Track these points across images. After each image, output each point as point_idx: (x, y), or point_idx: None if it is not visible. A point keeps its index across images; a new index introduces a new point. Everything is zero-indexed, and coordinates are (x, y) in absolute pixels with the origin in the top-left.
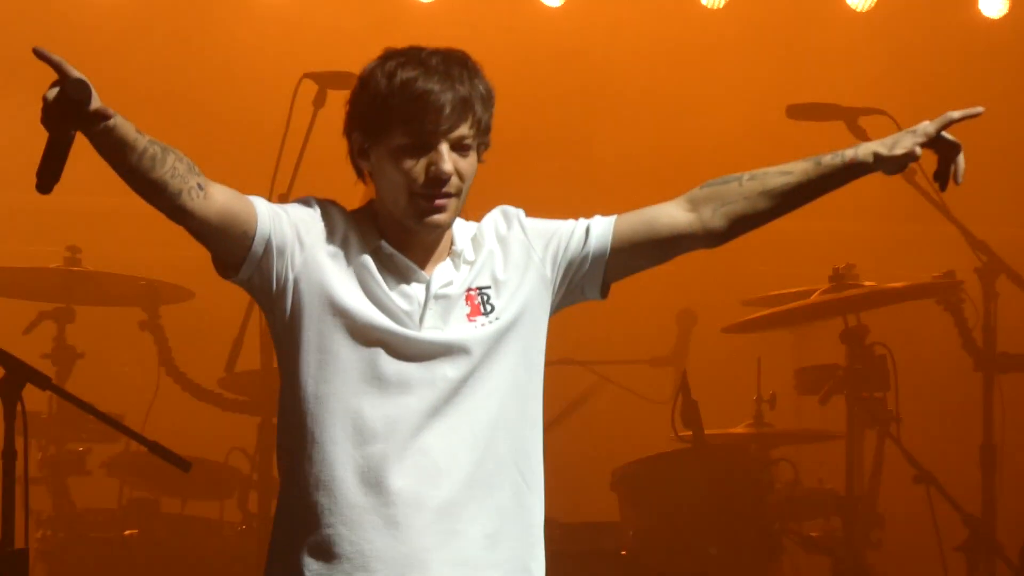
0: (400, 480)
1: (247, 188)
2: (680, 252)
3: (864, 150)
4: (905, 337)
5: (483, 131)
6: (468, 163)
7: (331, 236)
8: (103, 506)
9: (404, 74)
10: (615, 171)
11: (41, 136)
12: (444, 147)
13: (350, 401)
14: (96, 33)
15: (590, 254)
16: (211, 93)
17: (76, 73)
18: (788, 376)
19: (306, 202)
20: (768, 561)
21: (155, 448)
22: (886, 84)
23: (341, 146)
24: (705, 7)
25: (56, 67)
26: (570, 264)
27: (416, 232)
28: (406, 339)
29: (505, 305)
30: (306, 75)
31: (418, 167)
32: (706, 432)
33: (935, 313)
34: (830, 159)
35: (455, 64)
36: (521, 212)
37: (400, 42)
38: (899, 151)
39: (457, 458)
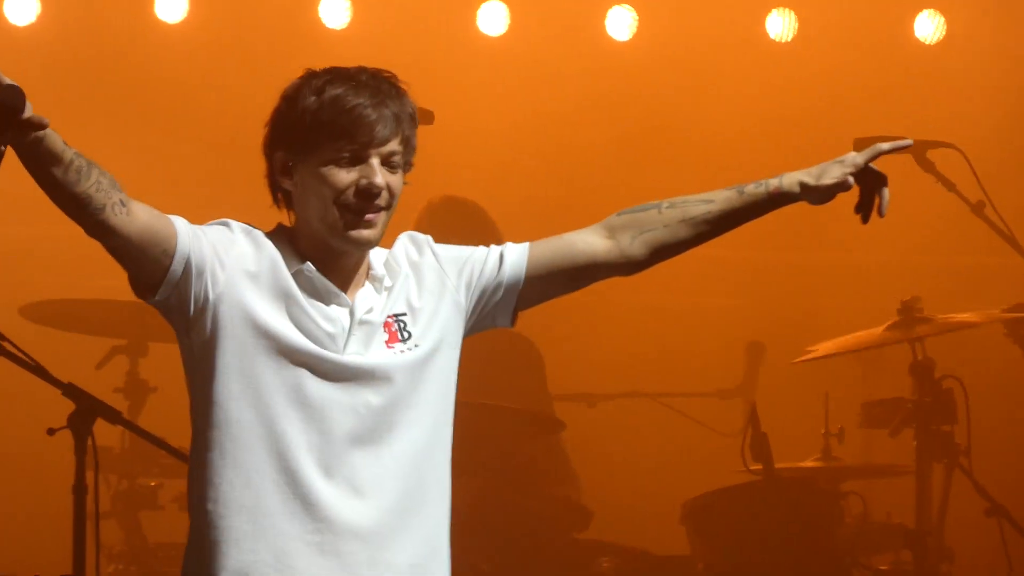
0: (326, 507)
1: None
2: (596, 279)
3: (789, 180)
4: (972, 369)
5: (410, 150)
6: (396, 180)
7: (251, 258)
8: (175, 540)
9: (333, 90)
10: None
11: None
12: (375, 161)
13: (274, 425)
14: (173, 61)
15: (504, 282)
16: None
17: (9, 80)
18: (855, 410)
19: (223, 224)
20: None
21: None
22: (955, 117)
23: (414, 179)
24: (774, 41)
25: None
26: (483, 291)
27: (340, 253)
28: (330, 362)
29: (423, 332)
30: None
31: (348, 180)
32: (775, 466)
33: (1003, 345)
34: (753, 188)
35: (384, 82)
36: (430, 238)
37: (469, 75)
38: (828, 181)
39: (383, 486)
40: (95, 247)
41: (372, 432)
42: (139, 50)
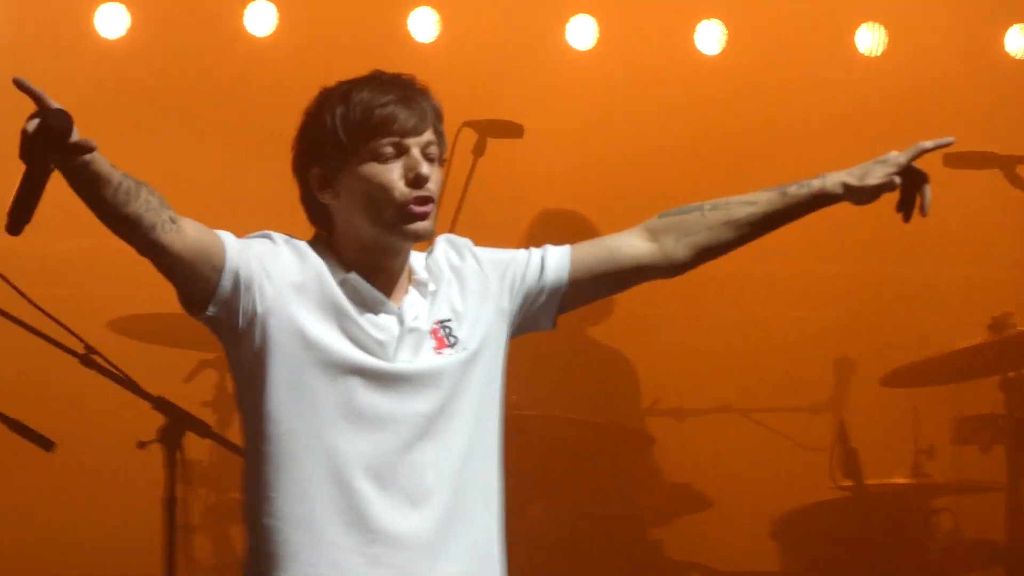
0: (381, 518)
1: None
2: (639, 282)
3: (832, 180)
4: None
5: (443, 144)
6: (437, 172)
7: (296, 269)
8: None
9: (359, 94)
10: None
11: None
12: (416, 151)
13: (326, 437)
14: (261, 74)
15: (547, 286)
16: None
17: (56, 104)
18: (946, 426)
19: (267, 236)
20: None
21: None
22: None
23: (503, 194)
24: (863, 55)
25: (37, 99)
26: (526, 295)
27: (387, 257)
28: (381, 371)
29: (468, 335)
30: (466, 123)
31: (395, 174)
32: (865, 482)
33: None
34: (796, 189)
35: (406, 80)
36: (470, 242)
37: (560, 89)
38: (872, 181)
39: (433, 495)
40: None
41: (422, 440)
42: (228, 63)
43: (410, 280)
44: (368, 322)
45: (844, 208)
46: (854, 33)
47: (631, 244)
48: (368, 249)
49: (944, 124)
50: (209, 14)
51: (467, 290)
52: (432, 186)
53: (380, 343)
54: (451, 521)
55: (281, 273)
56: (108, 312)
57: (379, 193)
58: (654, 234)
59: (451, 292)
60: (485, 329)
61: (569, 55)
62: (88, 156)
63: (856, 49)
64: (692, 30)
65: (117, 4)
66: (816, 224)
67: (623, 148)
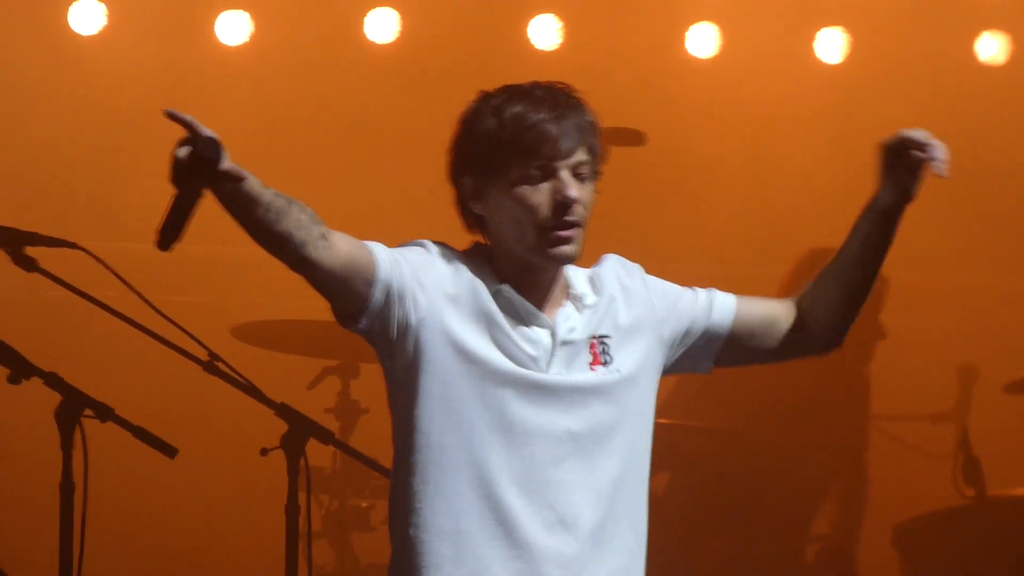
0: (527, 534)
1: None
2: (786, 356)
3: (882, 190)
4: None
5: (597, 159)
6: (588, 191)
7: (450, 280)
8: (385, 562)
9: (513, 108)
10: None
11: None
12: (565, 173)
13: (476, 450)
14: (380, 80)
15: (710, 328)
16: None
17: (208, 132)
18: None
19: (420, 245)
20: None
21: None
22: None
23: (610, 203)
24: (984, 63)
25: (188, 126)
26: (687, 332)
27: (538, 272)
28: (533, 383)
29: (625, 359)
30: None
31: (542, 197)
32: (988, 492)
33: None
34: (871, 216)
35: (560, 94)
36: (642, 268)
37: (679, 98)
38: (889, 173)
39: (582, 514)
40: None
41: (573, 458)
42: (346, 69)
43: (566, 294)
44: (521, 335)
45: (966, 216)
46: (975, 41)
47: (787, 309)
48: (519, 263)
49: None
50: (328, 20)
51: (632, 311)
52: (580, 209)
53: (533, 357)
54: (597, 543)
55: (435, 284)
56: (231, 319)
57: (523, 216)
58: (799, 305)
59: (616, 309)
60: (643, 355)
61: (687, 60)
62: (244, 178)
63: (976, 57)
64: (812, 38)
65: (241, 11)
66: (939, 231)
67: (739, 155)
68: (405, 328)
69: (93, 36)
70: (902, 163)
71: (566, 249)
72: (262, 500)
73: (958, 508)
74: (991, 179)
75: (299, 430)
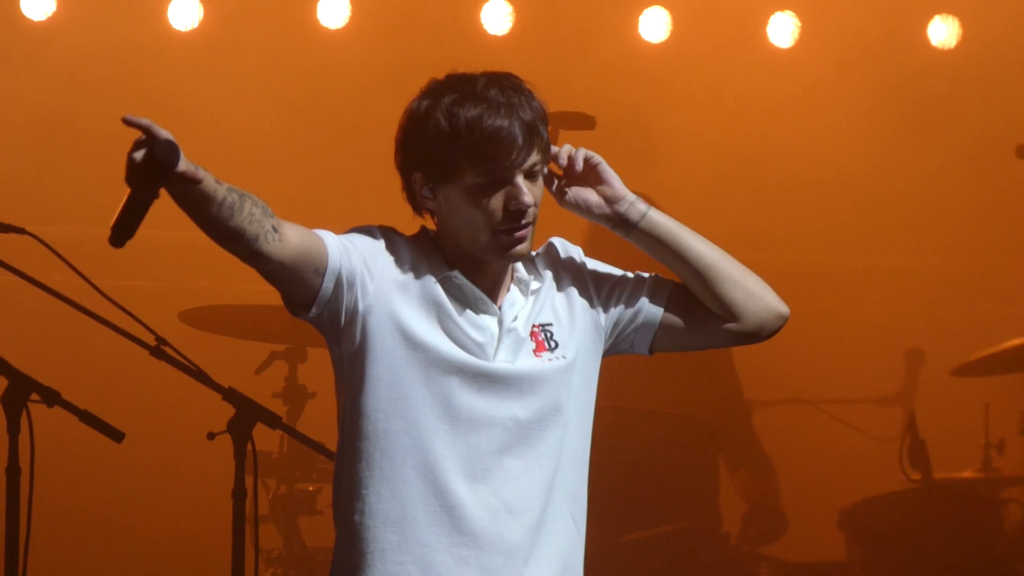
0: (473, 521)
1: None
2: (717, 345)
3: None
4: None
5: (548, 153)
6: (539, 187)
7: (398, 266)
8: (333, 545)
9: (466, 112)
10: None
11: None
12: (520, 179)
13: (422, 437)
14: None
15: (642, 311)
16: None
17: (165, 134)
18: (1016, 417)
19: (368, 231)
20: None
21: None
22: None
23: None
24: (936, 48)
25: (145, 130)
26: (622, 317)
27: (491, 264)
28: (480, 370)
29: (566, 342)
30: None
31: (496, 203)
32: (934, 476)
33: None
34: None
35: (512, 91)
36: (581, 251)
37: (630, 83)
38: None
39: (527, 501)
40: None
41: (518, 445)
42: (298, 54)
43: (511, 276)
44: (468, 321)
45: (914, 202)
46: (927, 25)
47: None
48: (468, 253)
49: (1018, 113)
50: (282, 5)
51: (571, 297)
52: (533, 211)
53: (479, 344)
54: (541, 529)
55: (383, 270)
56: (179, 303)
57: (478, 218)
58: None
59: (554, 295)
60: (581, 339)
61: (641, 47)
62: (199, 179)
63: (929, 41)
64: (764, 22)
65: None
66: (886, 218)
67: (695, 141)
68: (353, 315)
69: (43, 21)
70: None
71: (519, 249)
72: (209, 484)
73: (904, 491)
74: (940, 163)
75: (246, 414)
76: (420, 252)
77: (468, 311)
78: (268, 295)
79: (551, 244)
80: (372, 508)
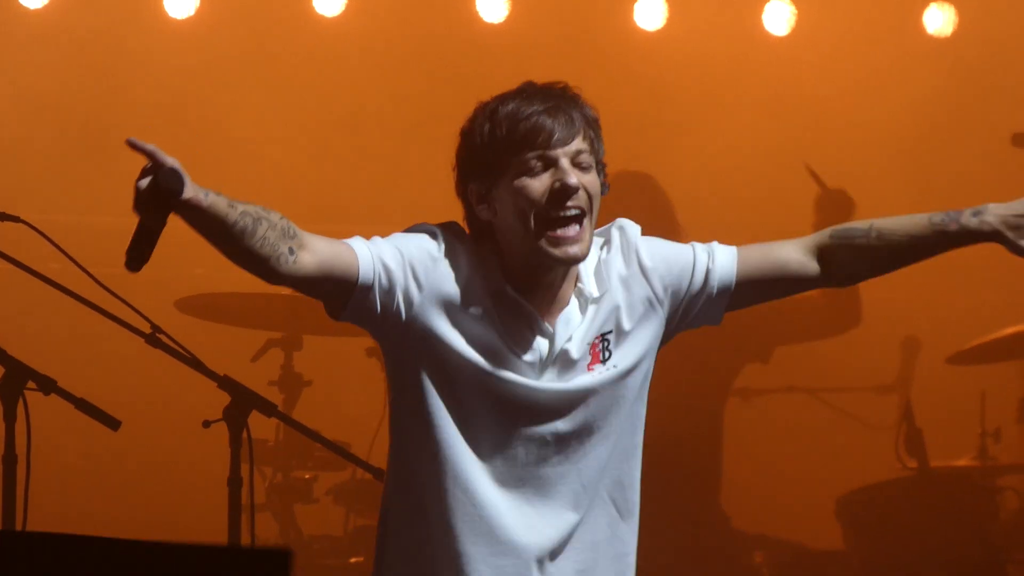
0: (509, 532)
1: None
2: (797, 292)
3: (988, 224)
4: None
5: (598, 150)
6: (592, 179)
7: (452, 279)
8: (329, 533)
9: (506, 108)
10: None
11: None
12: (565, 162)
13: (457, 450)
14: (328, 55)
15: (713, 294)
16: (439, 120)
17: (170, 161)
18: (1013, 406)
19: (428, 236)
20: None
21: (380, 475)
22: None
23: None
24: (932, 36)
25: (149, 155)
26: (690, 305)
27: (546, 270)
28: (524, 392)
29: (624, 354)
30: None
31: (541, 185)
32: (930, 464)
33: None
34: (956, 229)
35: (554, 89)
36: (640, 243)
37: (626, 70)
38: None
39: (563, 505)
40: None
41: (556, 455)
42: (295, 41)
43: (573, 287)
44: (518, 340)
45: (909, 190)
46: (922, 13)
47: (800, 262)
48: (527, 264)
49: (1013, 103)
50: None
51: (634, 306)
52: (583, 195)
53: (528, 363)
54: (575, 527)
55: (434, 284)
56: (175, 291)
57: (526, 206)
58: (823, 254)
59: (616, 301)
60: (644, 348)
61: (637, 36)
62: (206, 205)
63: (924, 29)
64: (760, 10)
65: None
66: (882, 205)
67: (689, 130)
68: (396, 324)
69: (39, 9)
70: None
71: (571, 250)
72: (205, 472)
73: (901, 479)
74: (935, 149)
75: (242, 402)
76: (478, 262)
77: (520, 329)
78: (264, 283)
79: (621, 229)
80: (411, 519)
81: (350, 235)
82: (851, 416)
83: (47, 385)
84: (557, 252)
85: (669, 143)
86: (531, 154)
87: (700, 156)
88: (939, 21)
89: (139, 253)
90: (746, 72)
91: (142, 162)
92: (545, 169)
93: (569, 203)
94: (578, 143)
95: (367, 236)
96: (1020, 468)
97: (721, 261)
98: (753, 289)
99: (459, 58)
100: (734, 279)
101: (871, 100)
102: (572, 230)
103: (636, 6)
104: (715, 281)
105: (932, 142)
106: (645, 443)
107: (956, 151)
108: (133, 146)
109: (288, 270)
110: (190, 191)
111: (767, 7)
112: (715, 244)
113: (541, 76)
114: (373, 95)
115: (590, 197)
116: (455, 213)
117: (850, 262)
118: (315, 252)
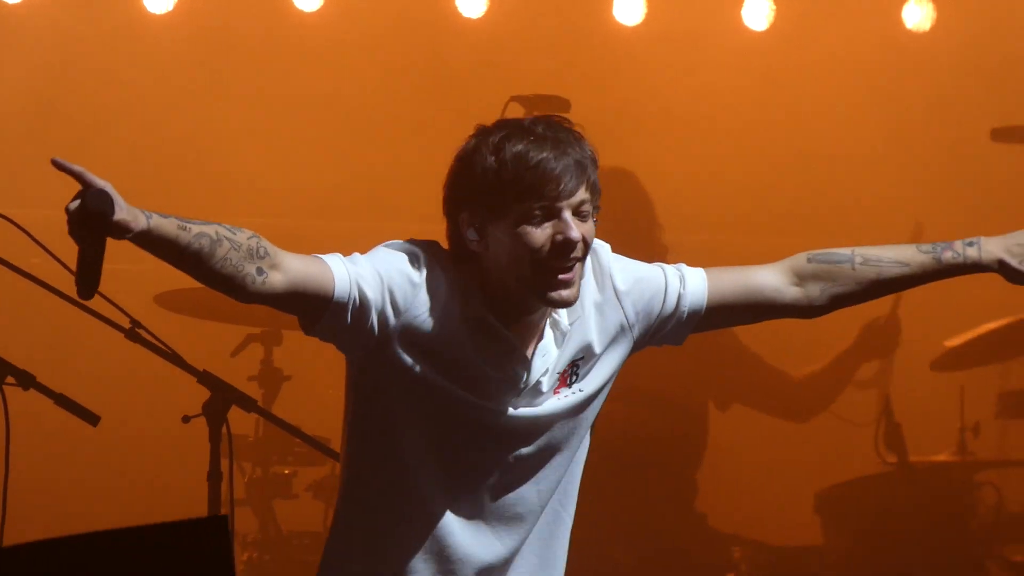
0: (459, 550)
1: None
2: (771, 319)
3: (988, 254)
4: None
5: (597, 195)
6: (589, 228)
7: (431, 304)
8: (309, 529)
9: (513, 147)
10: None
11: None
12: (567, 214)
13: (416, 472)
14: (307, 51)
15: (683, 318)
16: (419, 115)
17: (99, 183)
18: (991, 400)
19: (408, 259)
20: None
21: None
22: None
23: None
24: (911, 31)
25: (77, 177)
26: (659, 328)
27: (529, 309)
28: (496, 416)
29: (592, 379)
30: (513, 98)
31: (543, 236)
32: (909, 459)
33: None
34: (951, 258)
35: (560, 130)
36: (613, 267)
37: (604, 65)
38: None
39: (518, 526)
40: None
41: (516, 477)
42: (273, 37)
43: (547, 318)
44: (492, 369)
45: (886, 185)
46: (901, 9)
47: (775, 288)
48: (510, 298)
49: (992, 96)
50: None
51: (605, 332)
52: (581, 247)
53: (504, 392)
54: (529, 535)
55: (412, 307)
56: (154, 286)
57: (525, 254)
58: (800, 278)
59: (587, 329)
60: (611, 372)
61: (616, 30)
62: (145, 227)
63: (903, 24)
64: (739, 5)
65: None
66: (860, 200)
67: (669, 124)
68: (367, 343)
69: (16, 5)
70: None
71: (565, 293)
72: (184, 467)
73: (880, 475)
74: (915, 143)
75: (221, 397)
76: (458, 289)
77: (497, 358)
78: None
79: (594, 252)
80: (366, 528)
81: (321, 231)
82: (830, 412)
83: (26, 380)
84: (552, 295)
85: (647, 138)
86: (536, 203)
87: (679, 151)
88: (918, 16)
89: (86, 279)
90: (725, 67)
91: (126, 155)
92: (547, 219)
93: (570, 254)
94: (582, 193)
95: (343, 232)
96: (998, 463)
97: (692, 286)
98: (722, 314)
99: (438, 53)
100: (704, 304)
101: (850, 95)
102: (567, 276)
103: (615, 1)
104: (686, 306)
105: (912, 137)
106: (625, 441)
107: (936, 146)
108: (59, 166)
109: (256, 290)
110: (122, 213)
111: (746, 2)
112: (683, 266)
113: (519, 71)
114: (351, 90)
115: (586, 246)
116: (425, 211)
117: (831, 288)
118: (287, 271)
